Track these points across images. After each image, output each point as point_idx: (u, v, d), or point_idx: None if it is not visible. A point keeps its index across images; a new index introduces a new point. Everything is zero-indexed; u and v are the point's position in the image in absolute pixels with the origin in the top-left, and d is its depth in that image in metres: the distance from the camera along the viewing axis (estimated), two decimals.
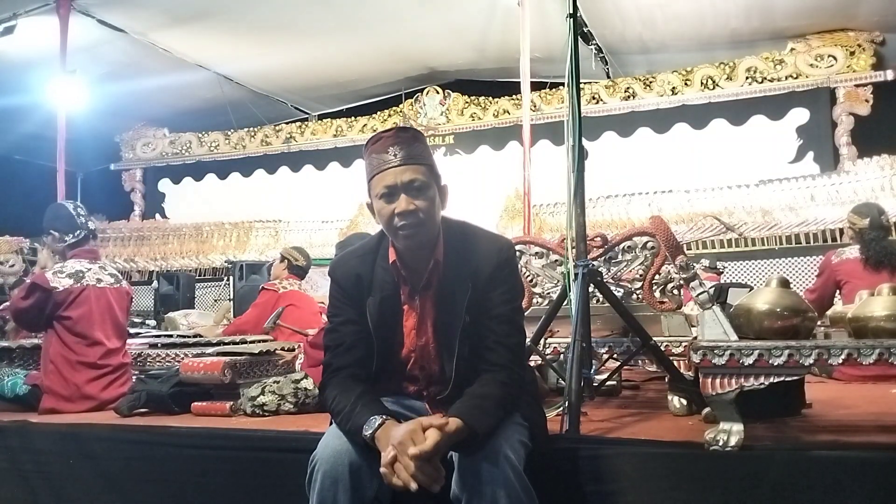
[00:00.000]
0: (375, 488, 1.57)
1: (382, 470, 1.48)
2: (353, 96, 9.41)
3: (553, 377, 2.98)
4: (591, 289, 2.40)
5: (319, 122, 9.61)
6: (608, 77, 8.25)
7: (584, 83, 7.57)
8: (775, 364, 1.75)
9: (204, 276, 8.64)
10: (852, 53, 7.17)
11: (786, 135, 7.44)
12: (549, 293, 2.72)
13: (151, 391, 2.89)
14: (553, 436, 1.94)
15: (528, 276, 2.74)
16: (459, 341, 1.72)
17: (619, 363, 2.64)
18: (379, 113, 9.19)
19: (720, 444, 1.78)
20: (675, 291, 2.59)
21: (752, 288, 4.32)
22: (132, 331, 4.06)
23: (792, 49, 7.38)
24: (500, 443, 1.56)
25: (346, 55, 7.94)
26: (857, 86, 7.13)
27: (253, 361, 3.01)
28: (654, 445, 1.95)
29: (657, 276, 2.58)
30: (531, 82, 6.21)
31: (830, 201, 6.57)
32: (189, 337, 4.08)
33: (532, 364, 2.58)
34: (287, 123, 9.73)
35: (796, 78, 7.36)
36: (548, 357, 2.66)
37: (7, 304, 3.21)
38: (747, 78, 7.54)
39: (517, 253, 2.55)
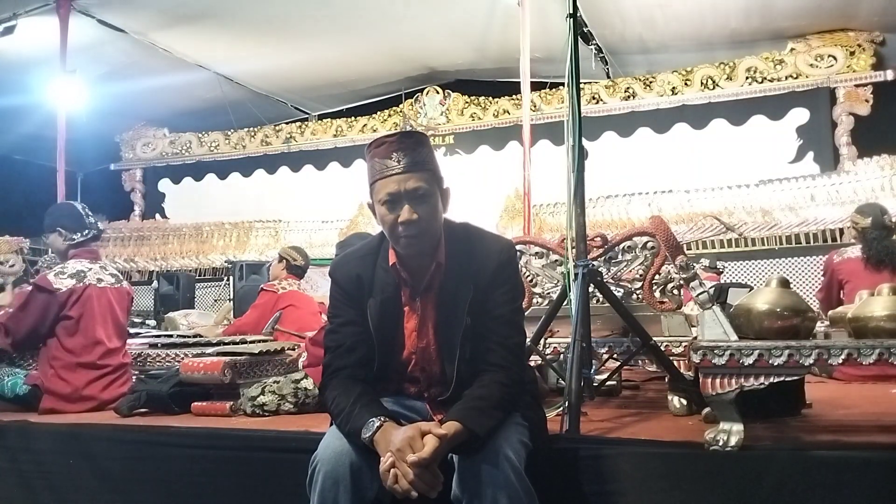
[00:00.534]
0: (376, 489, 1.57)
1: (381, 474, 1.49)
2: (353, 96, 9.40)
3: (553, 377, 2.98)
4: (591, 289, 2.40)
5: (319, 122, 9.59)
6: (608, 77, 8.24)
7: (584, 83, 7.57)
8: (775, 364, 1.75)
9: (204, 276, 8.63)
10: (852, 53, 7.16)
11: (786, 135, 7.43)
12: (549, 293, 2.72)
13: (151, 391, 2.89)
14: (553, 436, 1.94)
15: (528, 276, 2.74)
16: (461, 343, 1.72)
17: (619, 363, 2.64)
18: (379, 113, 9.18)
19: (720, 444, 1.78)
20: (675, 291, 2.59)
21: (752, 288, 4.33)
22: (132, 331, 4.06)
23: (792, 49, 7.38)
24: (500, 443, 1.56)
25: (346, 55, 7.93)
26: (857, 86, 7.12)
27: (253, 361, 3.01)
28: (654, 445, 1.95)
29: (657, 276, 2.58)
30: (531, 82, 6.19)
31: (830, 201, 6.56)
32: (189, 337, 4.08)
33: (532, 364, 2.58)
34: (287, 123, 9.72)
35: (796, 78, 7.35)
36: (548, 357, 2.66)
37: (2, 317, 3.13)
38: (747, 78, 7.53)
39: (517, 253, 2.55)
